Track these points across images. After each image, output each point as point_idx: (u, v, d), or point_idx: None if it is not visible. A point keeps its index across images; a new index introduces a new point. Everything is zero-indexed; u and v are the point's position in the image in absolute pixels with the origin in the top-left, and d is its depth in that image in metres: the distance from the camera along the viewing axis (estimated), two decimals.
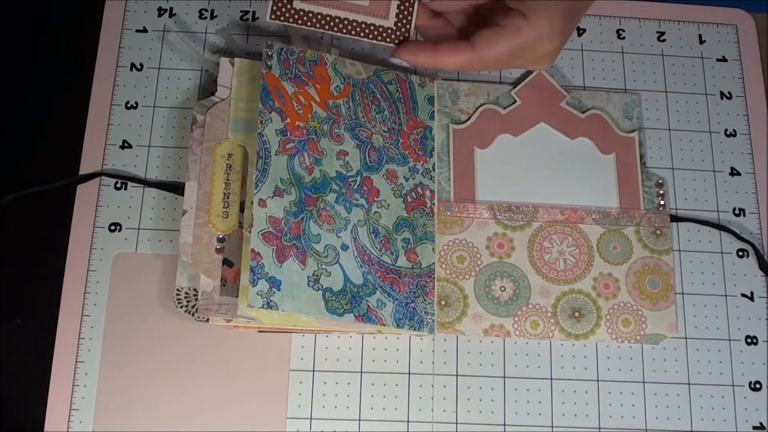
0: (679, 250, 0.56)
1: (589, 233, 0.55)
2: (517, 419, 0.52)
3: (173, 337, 0.52)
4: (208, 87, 0.58)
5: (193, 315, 0.51)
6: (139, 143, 0.57)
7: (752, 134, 0.59)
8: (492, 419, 0.52)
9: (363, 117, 0.54)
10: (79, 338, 0.52)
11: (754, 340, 0.55)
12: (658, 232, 0.56)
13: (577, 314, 0.54)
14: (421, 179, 0.55)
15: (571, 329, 0.53)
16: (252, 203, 0.50)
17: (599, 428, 0.52)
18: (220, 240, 0.52)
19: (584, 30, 0.61)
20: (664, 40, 0.62)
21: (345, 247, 0.51)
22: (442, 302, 0.53)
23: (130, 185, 0.55)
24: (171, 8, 0.60)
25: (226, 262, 0.51)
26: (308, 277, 0.49)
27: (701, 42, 0.61)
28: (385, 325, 0.50)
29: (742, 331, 0.55)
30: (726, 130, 0.59)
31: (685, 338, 0.54)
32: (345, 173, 0.53)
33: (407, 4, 0.54)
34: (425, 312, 0.52)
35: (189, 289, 0.52)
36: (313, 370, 0.53)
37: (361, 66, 0.56)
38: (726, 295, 0.56)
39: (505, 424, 0.52)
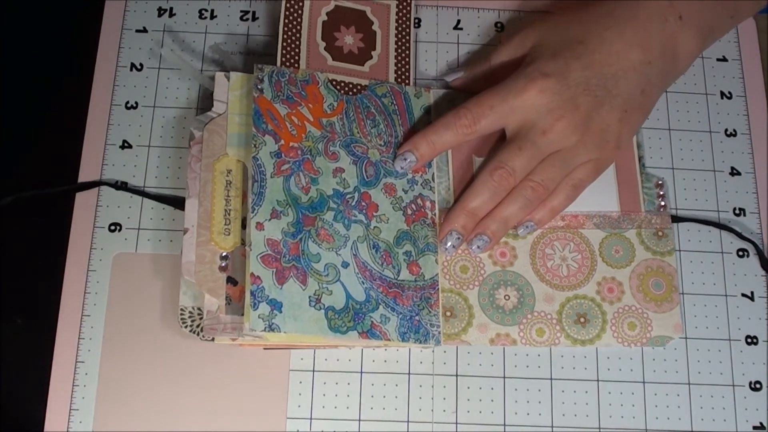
0: (679, 250, 0.56)
1: (590, 238, 0.55)
2: (517, 419, 0.52)
3: (173, 337, 0.52)
4: (208, 91, 0.58)
5: (198, 335, 0.51)
6: (139, 143, 0.57)
7: (752, 134, 0.59)
8: (492, 419, 0.52)
9: (358, 132, 0.54)
10: (79, 338, 0.52)
11: (754, 340, 0.55)
12: (660, 233, 0.55)
13: (582, 320, 0.53)
14: (421, 190, 0.54)
15: (577, 335, 0.53)
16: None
17: (599, 428, 0.52)
18: (224, 258, 0.51)
19: None
20: None
21: (345, 265, 0.51)
22: (448, 313, 0.53)
23: (130, 185, 0.55)
24: (171, 8, 0.60)
25: (230, 281, 0.51)
26: (309, 297, 0.49)
27: None
28: (390, 339, 0.50)
29: (742, 331, 0.55)
30: (726, 130, 0.59)
31: (685, 338, 0.54)
32: (342, 190, 0.52)
33: (403, 65, 0.56)
34: (430, 324, 0.51)
35: (193, 308, 0.51)
36: (313, 370, 0.53)
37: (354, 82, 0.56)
38: (726, 295, 0.56)
39: (505, 425, 0.52)
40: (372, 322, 0.50)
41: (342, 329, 0.49)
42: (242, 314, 0.49)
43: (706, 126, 0.59)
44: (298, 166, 0.52)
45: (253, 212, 0.50)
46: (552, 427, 0.52)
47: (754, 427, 0.53)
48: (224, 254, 0.51)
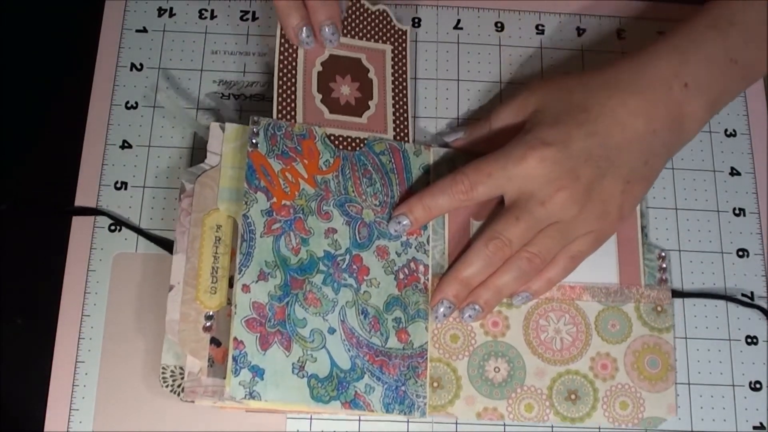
0: (680, 251, 0.56)
1: (586, 310, 0.53)
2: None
3: None
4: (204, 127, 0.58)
5: (179, 395, 0.49)
6: (139, 143, 0.57)
7: (752, 134, 0.59)
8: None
9: (353, 191, 0.52)
10: (79, 338, 0.52)
11: (754, 340, 0.55)
12: (659, 308, 0.53)
13: (573, 396, 0.52)
14: (415, 254, 0.52)
15: (566, 412, 0.52)
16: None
17: (599, 428, 0.52)
18: (209, 317, 0.50)
19: (584, 30, 0.61)
20: None
21: (332, 331, 0.49)
22: (435, 384, 0.51)
23: (130, 186, 0.55)
24: (171, 8, 0.60)
25: (214, 341, 0.49)
26: (293, 364, 0.48)
27: None
28: (373, 411, 0.49)
29: (742, 331, 0.55)
30: (726, 130, 0.59)
31: (685, 338, 0.54)
32: (333, 252, 0.51)
33: (401, 113, 0.55)
34: (416, 395, 0.50)
35: (175, 367, 0.49)
36: None
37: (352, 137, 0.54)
38: (726, 295, 0.56)
39: (504, 424, 0.52)
40: (356, 391, 0.48)
41: (324, 399, 0.48)
42: (224, 377, 0.47)
43: (706, 126, 0.59)
44: (289, 225, 0.50)
45: (240, 273, 0.48)
46: (552, 427, 0.52)
47: (754, 427, 0.53)
48: (209, 314, 0.50)
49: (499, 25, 0.61)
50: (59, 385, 0.51)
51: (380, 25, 0.56)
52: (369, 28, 0.56)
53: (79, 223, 0.55)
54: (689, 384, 0.54)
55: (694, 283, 0.56)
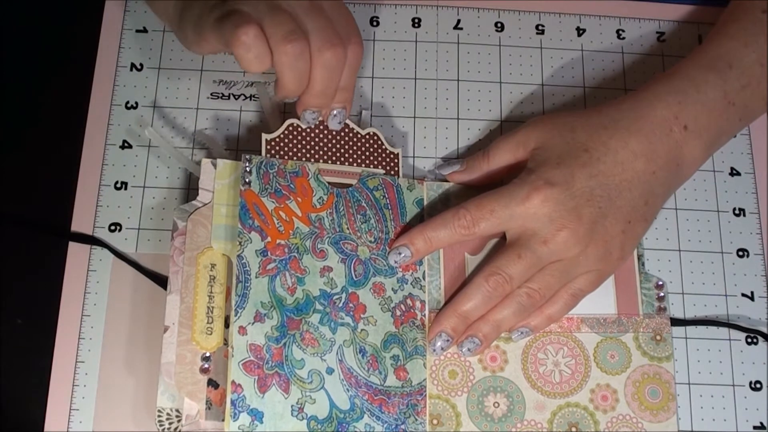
0: (679, 251, 0.56)
1: (585, 342, 0.53)
2: None
3: None
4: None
5: None
6: (140, 143, 0.57)
7: (752, 134, 0.59)
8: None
9: (348, 229, 0.52)
10: (79, 338, 0.52)
11: (754, 340, 0.55)
12: (658, 337, 0.53)
13: (574, 429, 0.51)
14: (411, 290, 0.52)
15: None
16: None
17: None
18: (205, 359, 0.49)
19: (584, 30, 0.61)
20: (664, 41, 0.62)
21: (330, 371, 0.48)
22: (434, 421, 0.50)
23: (131, 185, 0.55)
24: None
25: (212, 383, 0.48)
26: (292, 406, 0.47)
27: (701, 42, 0.61)
28: None
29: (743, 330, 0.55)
30: None
31: (686, 338, 0.54)
32: (329, 291, 0.50)
33: (392, 158, 0.55)
34: None
35: (171, 410, 0.48)
36: None
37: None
38: (726, 295, 0.56)
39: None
40: None
41: None
42: (223, 419, 0.46)
43: None
44: (284, 265, 0.49)
45: (236, 315, 0.47)
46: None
47: (755, 427, 0.53)
48: (206, 355, 0.49)
49: (499, 25, 0.61)
50: (59, 385, 0.51)
51: (371, 149, 0.54)
52: (360, 152, 0.54)
53: (79, 222, 0.54)
54: (689, 384, 0.54)
55: (694, 284, 0.56)
